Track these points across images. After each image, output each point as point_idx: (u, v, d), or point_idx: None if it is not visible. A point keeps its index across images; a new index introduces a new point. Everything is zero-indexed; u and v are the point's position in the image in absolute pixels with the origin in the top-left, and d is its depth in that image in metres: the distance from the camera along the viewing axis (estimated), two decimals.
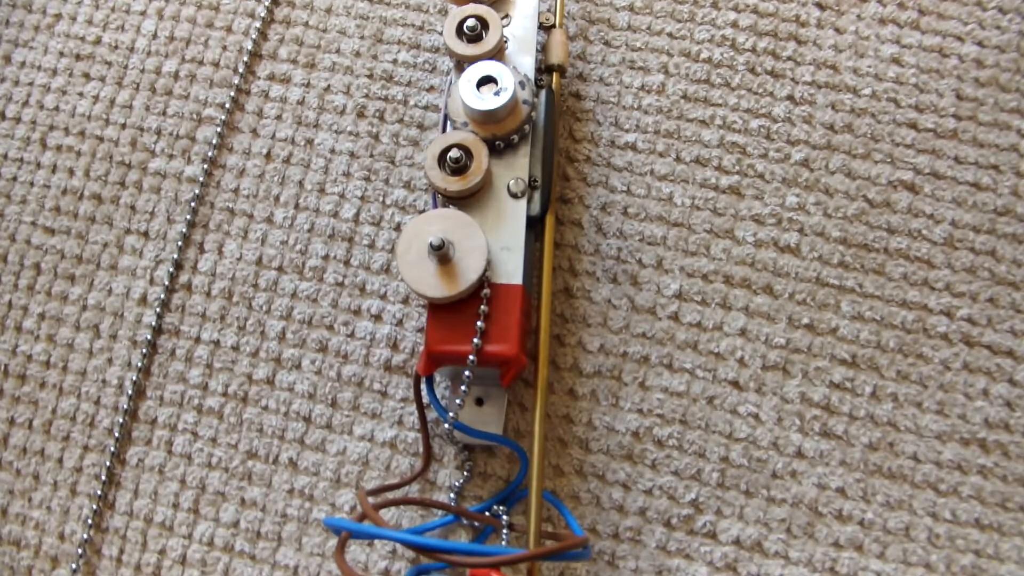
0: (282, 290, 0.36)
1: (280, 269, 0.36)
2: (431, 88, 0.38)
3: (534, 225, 0.33)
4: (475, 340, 0.29)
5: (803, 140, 0.36)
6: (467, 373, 0.29)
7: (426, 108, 0.38)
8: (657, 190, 0.36)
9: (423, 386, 0.31)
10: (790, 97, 0.37)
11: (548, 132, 0.33)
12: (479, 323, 0.30)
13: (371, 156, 0.38)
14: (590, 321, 0.34)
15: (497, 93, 0.31)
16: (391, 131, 0.38)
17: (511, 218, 0.31)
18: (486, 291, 0.30)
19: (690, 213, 0.36)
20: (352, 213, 0.37)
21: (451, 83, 0.34)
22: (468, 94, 0.31)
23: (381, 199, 0.37)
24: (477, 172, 0.31)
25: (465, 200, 0.31)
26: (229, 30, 0.40)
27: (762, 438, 0.33)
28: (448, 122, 0.33)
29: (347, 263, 0.36)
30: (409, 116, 0.38)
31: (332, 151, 0.38)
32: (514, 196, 0.32)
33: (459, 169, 0.31)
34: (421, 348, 0.34)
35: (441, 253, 0.29)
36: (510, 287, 0.30)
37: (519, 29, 0.35)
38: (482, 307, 0.30)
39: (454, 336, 0.30)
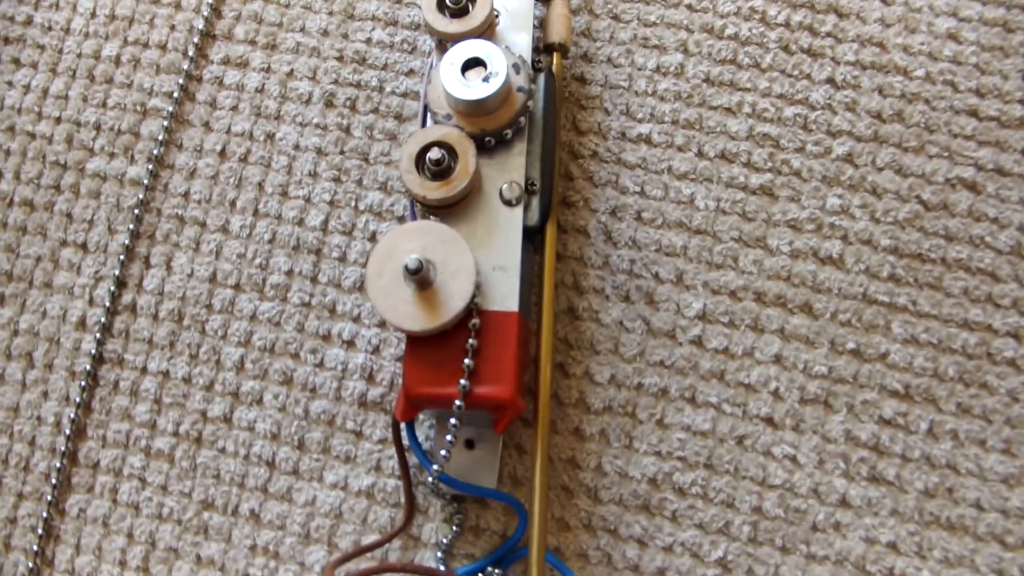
0: (239, 312, 0.31)
1: (237, 287, 0.31)
2: (411, 72, 0.33)
3: (532, 236, 0.27)
4: (462, 381, 0.24)
5: (846, 131, 0.31)
6: (453, 421, 0.24)
7: (405, 95, 0.32)
8: (676, 191, 0.30)
9: (403, 430, 0.26)
10: (830, 80, 0.31)
11: (548, 125, 0.28)
12: (467, 360, 0.24)
13: (341, 153, 0.32)
14: (599, 347, 0.29)
15: (486, 79, 0.25)
16: (364, 123, 0.32)
17: (505, 230, 0.26)
18: (475, 321, 0.24)
19: (715, 218, 0.30)
20: (320, 220, 0.31)
21: (431, 67, 0.28)
22: (451, 80, 0.25)
23: (353, 204, 0.31)
24: (463, 176, 0.25)
25: (449, 209, 0.26)
26: (178, 6, 0.34)
27: (800, 484, 0.28)
28: (428, 114, 0.27)
29: (314, 280, 0.31)
30: (385, 105, 0.32)
31: (296, 147, 0.32)
32: (508, 203, 0.26)
33: (441, 172, 0.25)
34: (400, 381, 0.28)
35: (419, 277, 0.23)
36: (504, 315, 0.25)
37: (513, 1, 0.29)
38: (470, 341, 0.24)
39: (437, 376, 0.24)
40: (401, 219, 0.31)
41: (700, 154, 0.30)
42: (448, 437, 0.24)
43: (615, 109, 0.31)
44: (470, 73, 0.25)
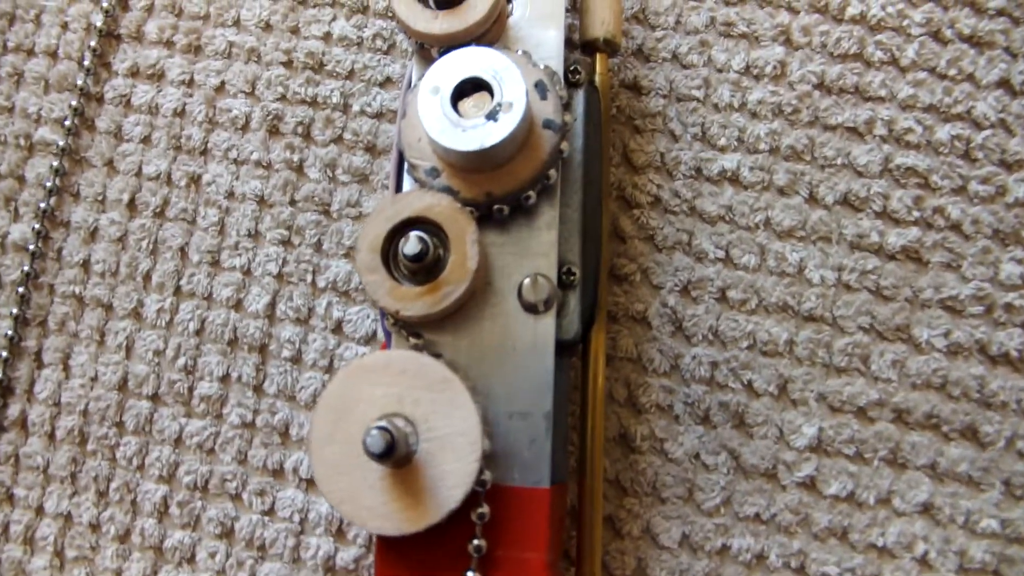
0: (160, 433, 0.21)
1: (155, 398, 0.21)
2: (387, 81, 0.22)
3: (570, 349, 0.18)
4: None
5: None
6: None
7: (379, 116, 0.22)
8: (777, 257, 0.20)
9: None
10: (1004, 83, 0.20)
11: (592, 173, 0.17)
12: (470, 573, 0.15)
13: (292, 203, 0.22)
14: (665, 494, 0.19)
15: (493, 114, 0.14)
16: (323, 158, 0.21)
17: (528, 353, 0.15)
18: (482, 510, 0.15)
19: (835, 298, 0.20)
20: (263, 303, 0.21)
21: (408, 87, 0.18)
22: (435, 118, 0.14)
23: (310, 278, 0.21)
24: (458, 276, 0.15)
25: (439, 325, 0.16)
26: None
27: None
28: (405, 167, 0.17)
29: (259, 390, 0.21)
30: (352, 131, 0.21)
31: (230, 195, 0.22)
32: (532, 309, 0.16)
33: (423, 271, 0.15)
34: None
35: (392, 459, 0.14)
36: (529, 494, 0.15)
37: None
38: (475, 541, 0.15)
39: None
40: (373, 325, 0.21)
41: (812, 199, 0.20)
42: None
43: (685, 132, 0.20)
44: (468, 103, 0.15)
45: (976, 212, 0.19)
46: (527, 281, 0.15)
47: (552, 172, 0.15)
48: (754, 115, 0.20)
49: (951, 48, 0.20)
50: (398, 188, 0.16)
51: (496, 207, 0.15)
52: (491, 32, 0.16)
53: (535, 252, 0.15)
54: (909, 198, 0.19)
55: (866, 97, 0.20)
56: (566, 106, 0.16)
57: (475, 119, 0.14)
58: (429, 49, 0.16)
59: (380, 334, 0.19)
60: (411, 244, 0.14)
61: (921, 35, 0.20)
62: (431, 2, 0.16)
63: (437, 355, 0.15)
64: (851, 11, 0.20)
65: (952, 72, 0.20)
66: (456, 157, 0.14)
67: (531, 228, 0.15)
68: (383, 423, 0.13)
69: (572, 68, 0.17)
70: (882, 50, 0.20)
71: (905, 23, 0.20)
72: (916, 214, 0.19)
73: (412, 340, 0.15)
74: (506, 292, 0.15)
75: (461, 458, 0.14)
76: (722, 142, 0.20)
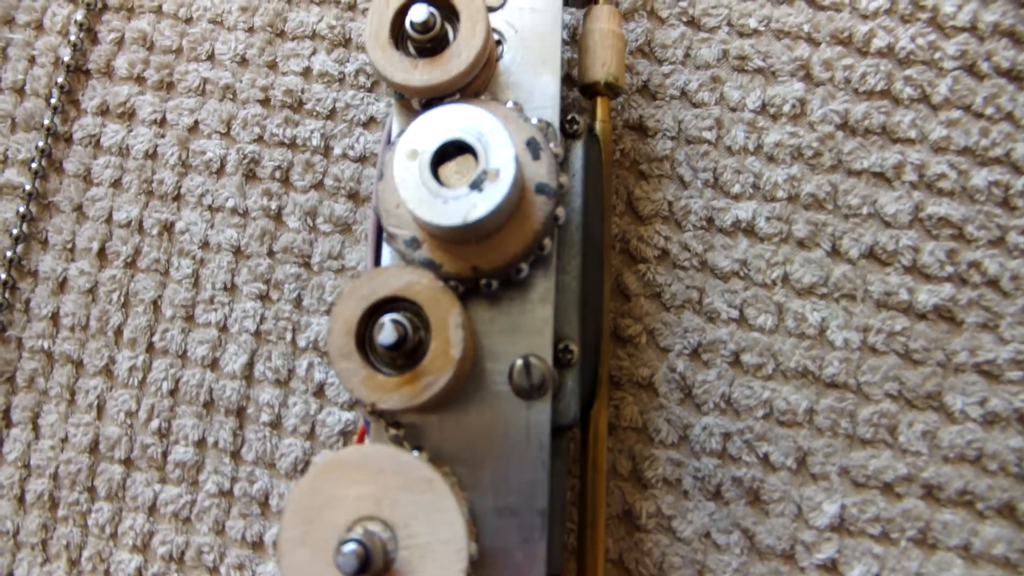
0: (133, 500, 0.20)
1: (128, 463, 0.20)
2: (371, 121, 0.21)
3: (567, 432, 0.16)
4: None
5: None
6: None
7: (362, 160, 0.20)
8: (797, 317, 0.18)
9: None
10: None
11: (592, 236, 0.15)
12: None
13: (270, 254, 0.20)
14: None
15: (478, 184, 0.13)
16: (303, 206, 0.19)
17: (520, 442, 0.14)
18: None
19: (859, 363, 0.18)
20: (241, 363, 0.19)
21: (388, 140, 0.16)
22: (413, 187, 0.13)
23: (290, 336, 0.19)
24: (440, 364, 0.13)
25: (420, 416, 0.15)
26: (38, 27, 0.22)
27: None
28: (383, 237, 0.15)
29: (236, 456, 0.20)
30: (334, 176, 0.20)
31: (204, 245, 0.20)
32: (524, 394, 0.14)
33: (402, 358, 0.14)
34: None
35: (369, 573, 0.13)
36: None
37: (526, 14, 0.16)
38: None
39: None
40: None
41: (835, 253, 0.18)
42: None
43: (696, 178, 0.19)
44: (451, 167, 0.13)
45: (1016, 267, 0.17)
46: (519, 363, 0.14)
47: (547, 241, 0.14)
48: (771, 159, 0.18)
49: (988, 84, 0.18)
50: (377, 255, 0.14)
51: (484, 282, 0.14)
52: (479, 79, 0.14)
53: (528, 330, 0.14)
54: (942, 251, 0.18)
55: (894, 139, 0.18)
56: (562, 163, 0.14)
57: (458, 189, 0.13)
58: (410, 100, 0.15)
59: None
60: (386, 333, 0.12)
61: (955, 69, 0.18)
62: (411, 49, 0.14)
63: (419, 447, 0.13)
64: (877, 43, 0.18)
65: (989, 111, 0.18)
66: (437, 230, 0.13)
67: (523, 302, 0.14)
68: (357, 535, 0.12)
69: (569, 118, 0.15)
70: (912, 86, 0.18)
71: (937, 56, 0.18)
72: (949, 269, 0.18)
73: (392, 430, 0.13)
74: (496, 375, 0.14)
75: (445, 568, 0.12)
76: (736, 189, 0.18)
